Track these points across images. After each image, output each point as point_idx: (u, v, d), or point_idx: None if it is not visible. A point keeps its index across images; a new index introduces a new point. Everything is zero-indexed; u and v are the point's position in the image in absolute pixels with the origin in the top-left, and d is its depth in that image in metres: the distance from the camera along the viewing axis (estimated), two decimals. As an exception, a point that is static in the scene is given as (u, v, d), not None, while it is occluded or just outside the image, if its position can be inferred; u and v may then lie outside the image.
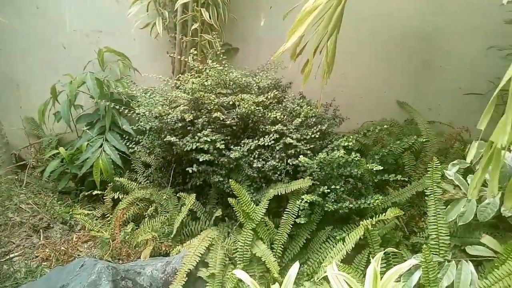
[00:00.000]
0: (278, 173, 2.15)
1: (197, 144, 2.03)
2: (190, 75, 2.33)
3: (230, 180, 1.99)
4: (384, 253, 1.93)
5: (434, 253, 1.78)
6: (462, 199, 1.80)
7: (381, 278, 1.09)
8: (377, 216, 1.81)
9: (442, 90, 2.91)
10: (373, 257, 1.75)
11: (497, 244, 1.68)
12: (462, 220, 1.75)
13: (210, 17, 2.58)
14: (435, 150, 2.59)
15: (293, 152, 2.12)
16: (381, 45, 2.88)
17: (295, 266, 1.24)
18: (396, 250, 1.38)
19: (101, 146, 2.58)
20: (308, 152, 2.14)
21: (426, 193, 1.85)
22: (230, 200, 1.97)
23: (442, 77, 2.89)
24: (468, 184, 1.84)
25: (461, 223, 1.75)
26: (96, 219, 2.55)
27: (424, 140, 2.45)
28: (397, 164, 2.59)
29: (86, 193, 2.61)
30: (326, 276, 1.23)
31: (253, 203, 2.03)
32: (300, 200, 2.02)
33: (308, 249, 2.13)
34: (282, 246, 2.07)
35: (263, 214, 2.00)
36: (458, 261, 1.72)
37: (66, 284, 1.66)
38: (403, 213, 1.83)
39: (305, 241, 2.13)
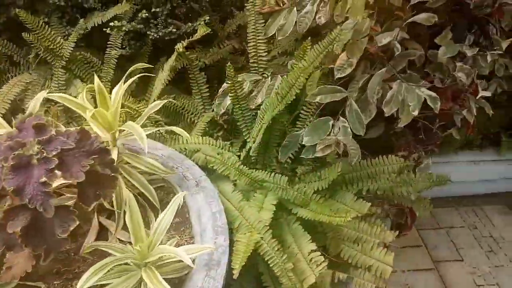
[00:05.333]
0: (92, -1, 1.81)
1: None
2: None
3: (18, 10, 1.63)
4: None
5: (254, 71, 1.70)
6: (283, 10, 1.64)
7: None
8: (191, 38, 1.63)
9: None
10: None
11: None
12: (281, 33, 1.62)
13: None
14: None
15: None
16: None
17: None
18: (147, 65, 1.26)
19: None
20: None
21: (246, 7, 1.67)
22: (25, 35, 1.66)
23: None
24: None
25: (280, 37, 1.63)
26: None
27: None
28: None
29: None
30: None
31: (60, 38, 1.75)
32: (115, 29, 1.76)
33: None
34: (110, 83, 1.89)
35: (72, 48, 1.74)
36: (273, 76, 1.67)
37: None
38: (210, 30, 1.65)
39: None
